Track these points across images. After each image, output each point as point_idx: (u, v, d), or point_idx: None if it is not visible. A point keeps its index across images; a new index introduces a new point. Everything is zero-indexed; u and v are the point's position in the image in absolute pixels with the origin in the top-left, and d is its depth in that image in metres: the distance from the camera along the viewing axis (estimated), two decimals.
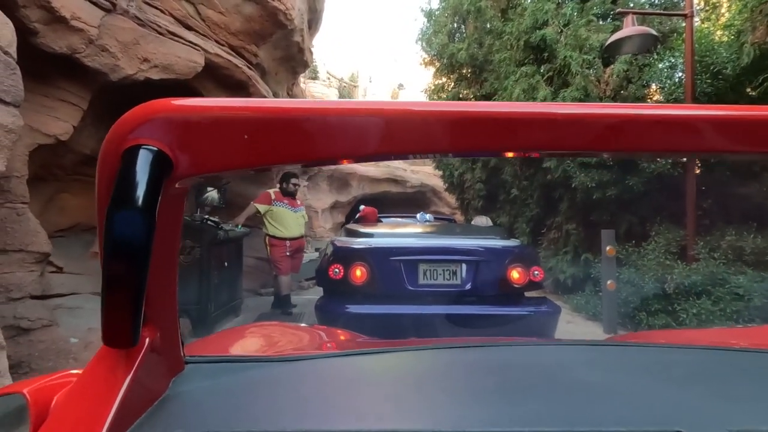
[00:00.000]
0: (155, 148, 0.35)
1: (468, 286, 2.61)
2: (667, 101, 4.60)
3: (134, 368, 0.43)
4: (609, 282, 4.30)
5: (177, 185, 0.40)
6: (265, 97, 4.43)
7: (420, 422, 0.45)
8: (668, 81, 4.61)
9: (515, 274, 2.63)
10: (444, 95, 10.58)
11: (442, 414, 0.48)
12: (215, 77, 3.85)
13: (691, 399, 0.52)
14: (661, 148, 0.41)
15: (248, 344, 1.06)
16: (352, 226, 3.65)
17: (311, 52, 5.60)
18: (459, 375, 0.63)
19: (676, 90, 4.42)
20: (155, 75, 3.19)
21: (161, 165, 0.36)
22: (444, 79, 10.95)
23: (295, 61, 5.03)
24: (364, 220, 4.34)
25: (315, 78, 30.36)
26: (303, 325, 1.54)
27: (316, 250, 14.40)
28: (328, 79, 30.35)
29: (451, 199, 24.79)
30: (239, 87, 4.08)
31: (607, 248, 4.31)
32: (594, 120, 0.38)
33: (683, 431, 0.41)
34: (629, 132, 0.39)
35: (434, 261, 2.64)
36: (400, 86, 39.43)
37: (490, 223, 5.34)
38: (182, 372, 0.55)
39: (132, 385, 0.42)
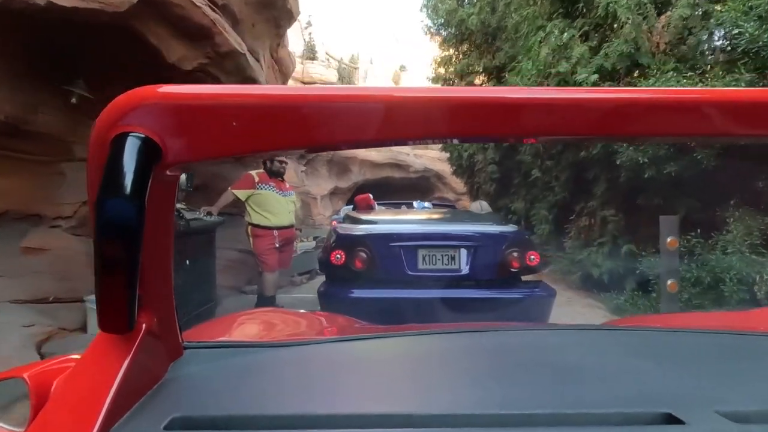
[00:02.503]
0: (143, 135, 0.36)
1: (466, 271, 2.66)
2: (734, 60, 3.68)
3: (132, 353, 0.44)
4: (670, 282, 3.43)
5: (168, 172, 0.40)
6: (237, 50, 3.52)
7: (414, 405, 0.46)
8: (740, 31, 3.67)
9: (512, 259, 2.66)
10: (452, 68, 9.61)
11: (435, 397, 0.49)
12: (167, 19, 2.95)
13: (680, 380, 0.52)
14: (662, 132, 0.41)
15: (247, 330, 1.05)
16: (352, 213, 3.70)
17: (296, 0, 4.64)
18: (453, 359, 0.63)
19: (750, 43, 3.49)
20: (67, 2, 2.29)
21: (150, 152, 0.36)
22: (452, 51, 9.96)
23: (276, 8, 4.08)
24: (359, 208, 4.35)
25: (313, 59, 29.24)
26: (302, 311, 1.57)
27: (315, 238, 13.84)
28: (327, 59, 29.21)
29: (457, 184, 23.92)
30: (201, 35, 3.17)
31: (668, 239, 3.43)
32: (595, 104, 0.39)
33: (671, 412, 0.41)
34: (631, 116, 0.39)
35: (433, 246, 2.70)
36: (402, 68, 38.17)
37: (488, 208, 5.25)
38: (181, 357, 0.56)
39: (130, 369, 0.43)
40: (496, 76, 8.52)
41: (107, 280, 0.37)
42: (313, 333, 1.04)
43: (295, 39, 29.57)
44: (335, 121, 0.37)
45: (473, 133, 0.38)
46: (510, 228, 3.07)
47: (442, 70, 10.11)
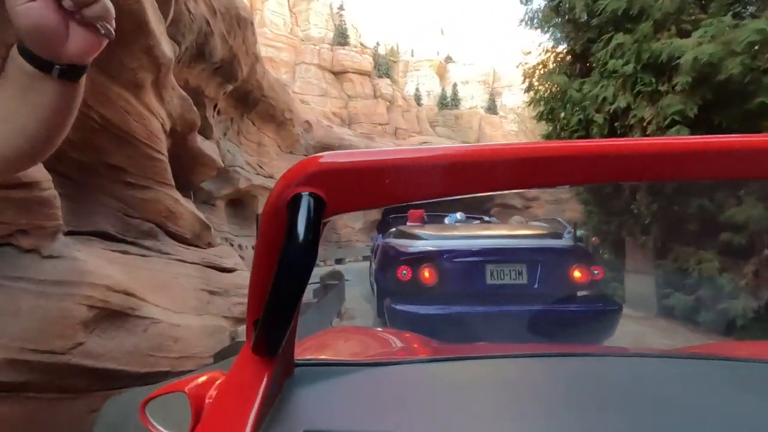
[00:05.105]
0: (315, 194, 0.43)
1: (534, 285, 2.83)
2: None
3: (270, 372, 0.51)
4: None
5: (326, 220, 0.47)
6: None
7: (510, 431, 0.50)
8: None
9: (577, 273, 2.84)
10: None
11: (513, 426, 0.51)
12: None
13: None
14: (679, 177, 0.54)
15: (343, 348, 1.15)
16: (407, 228, 3.99)
17: None
18: (533, 387, 0.66)
19: None
20: None
21: (318, 206, 0.43)
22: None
23: None
24: (412, 221, 4.65)
25: (345, 44, 25.63)
26: (383, 329, 1.76)
27: (337, 262, 10.17)
28: (361, 46, 25.49)
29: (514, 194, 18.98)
30: None
31: None
32: (623, 153, 0.44)
33: None
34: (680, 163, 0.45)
35: (501, 261, 2.87)
36: (448, 59, 33.91)
37: (523, 221, 5.69)
38: (293, 375, 0.63)
39: (267, 388, 0.50)
40: None
41: (276, 314, 0.44)
42: (403, 352, 1.11)
43: (324, 23, 25.96)
44: (461, 174, 0.45)
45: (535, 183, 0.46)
46: (571, 242, 3.41)
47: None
